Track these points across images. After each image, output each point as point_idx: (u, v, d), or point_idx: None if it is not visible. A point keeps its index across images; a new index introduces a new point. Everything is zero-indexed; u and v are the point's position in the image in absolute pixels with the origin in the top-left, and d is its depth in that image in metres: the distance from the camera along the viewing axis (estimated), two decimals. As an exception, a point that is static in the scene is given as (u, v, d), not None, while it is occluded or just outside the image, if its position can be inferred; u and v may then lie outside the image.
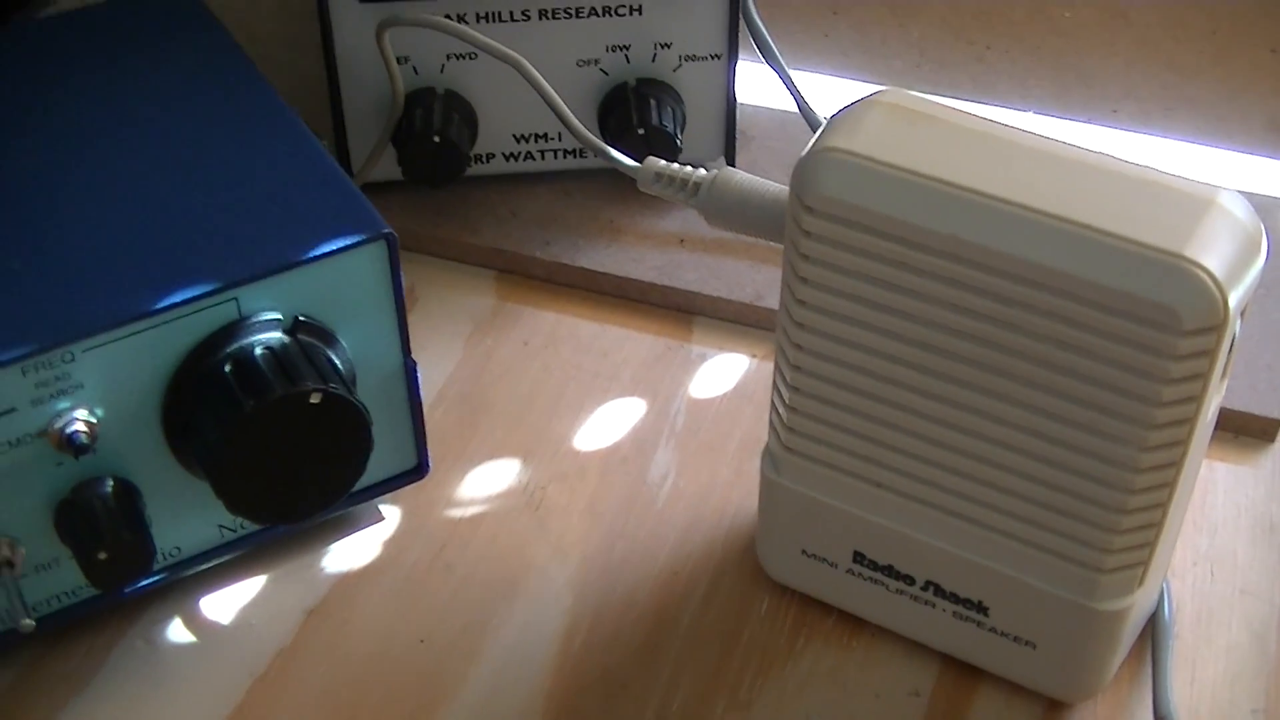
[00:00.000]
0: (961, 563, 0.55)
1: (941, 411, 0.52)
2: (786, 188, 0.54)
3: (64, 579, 0.59)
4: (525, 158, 0.78)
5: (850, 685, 0.58)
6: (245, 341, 0.56)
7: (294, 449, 0.56)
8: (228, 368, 0.55)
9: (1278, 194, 0.80)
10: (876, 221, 0.50)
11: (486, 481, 0.66)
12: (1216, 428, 0.64)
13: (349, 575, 0.63)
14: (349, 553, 0.64)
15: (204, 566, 0.62)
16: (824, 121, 0.74)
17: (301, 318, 0.57)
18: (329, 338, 0.58)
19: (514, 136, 0.77)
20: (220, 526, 0.61)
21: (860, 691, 0.58)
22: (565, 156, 0.78)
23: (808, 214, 0.51)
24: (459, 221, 0.77)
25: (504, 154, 0.78)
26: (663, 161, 0.60)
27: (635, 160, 0.63)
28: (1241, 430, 0.68)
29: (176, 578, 0.61)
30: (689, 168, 0.59)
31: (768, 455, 0.58)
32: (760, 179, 0.57)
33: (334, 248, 0.57)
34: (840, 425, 0.54)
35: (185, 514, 0.60)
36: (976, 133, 0.51)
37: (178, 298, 0.55)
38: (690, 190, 0.59)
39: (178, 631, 0.61)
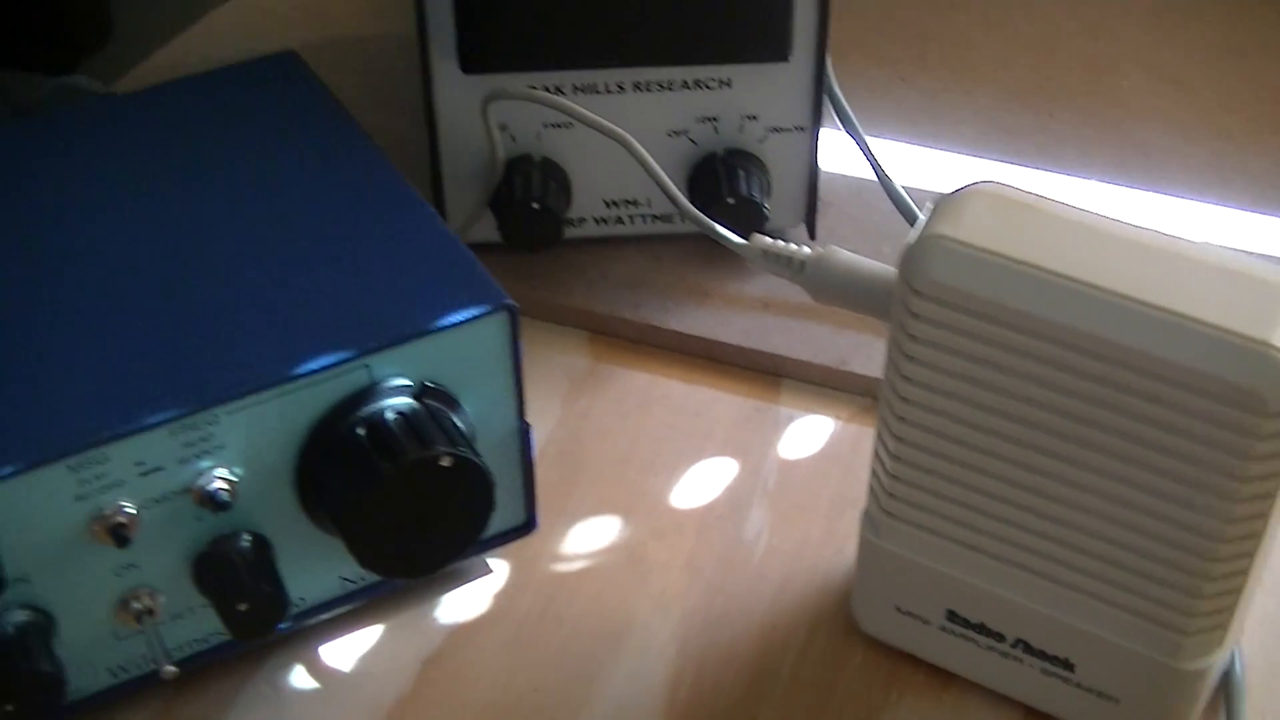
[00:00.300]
0: (1051, 622, 0.58)
1: (1037, 481, 0.55)
2: (887, 267, 0.58)
3: (195, 627, 0.62)
4: (614, 222, 0.82)
5: (941, 736, 0.62)
6: (376, 406, 0.59)
7: (422, 508, 0.59)
8: (361, 431, 0.59)
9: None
10: (980, 305, 0.53)
11: (589, 537, 0.69)
12: None
13: (462, 626, 0.66)
14: (461, 604, 0.67)
15: (325, 616, 0.65)
16: (902, 191, 0.78)
17: (428, 383, 0.60)
18: (453, 402, 0.61)
19: (604, 202, 0.81)
20: (342, 578, 0.65)
21: (951, 743, 0.62)
22: (653, 221, 0.82)
23: (916, 297, 0.54)
24: (551, 283, 0.80)
25: (594, 218, 0.81)
26: (768, 239, 0.63)
27: (741, 236, 0.66)
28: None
29: (299, 627, 0.65)
30: (793, 245, 0.63)
31: (867, 518, 0.61)
32: (863, 258, 0.61)
33: (461, 318, 0.60)
34: (939, 493, 0.58)
35: (310, 566, 0.63)
36: (1072, 222, 0.54)
37: (315, 364, 0.58)
38: (796, 267, 0.62)
39: (301, 678, 0.64)
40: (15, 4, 1.19)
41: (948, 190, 0.56)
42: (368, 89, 0.85)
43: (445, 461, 0.58)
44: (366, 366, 0.59)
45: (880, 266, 0.60)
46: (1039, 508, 0.56)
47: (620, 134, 0.73)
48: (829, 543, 0.69)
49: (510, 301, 0.61)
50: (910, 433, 0.57)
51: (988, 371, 0.54)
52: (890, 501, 0.59)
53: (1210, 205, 0.88)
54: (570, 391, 0.76)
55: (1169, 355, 0.51)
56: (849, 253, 0.61)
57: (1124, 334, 0.51)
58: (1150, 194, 0.88)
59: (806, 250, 0.62)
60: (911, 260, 0.54)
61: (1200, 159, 0.91)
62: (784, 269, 0.63)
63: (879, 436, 0.59)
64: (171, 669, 0.59)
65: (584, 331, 0.80)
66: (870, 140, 0.83)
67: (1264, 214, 0.87)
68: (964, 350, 0.54)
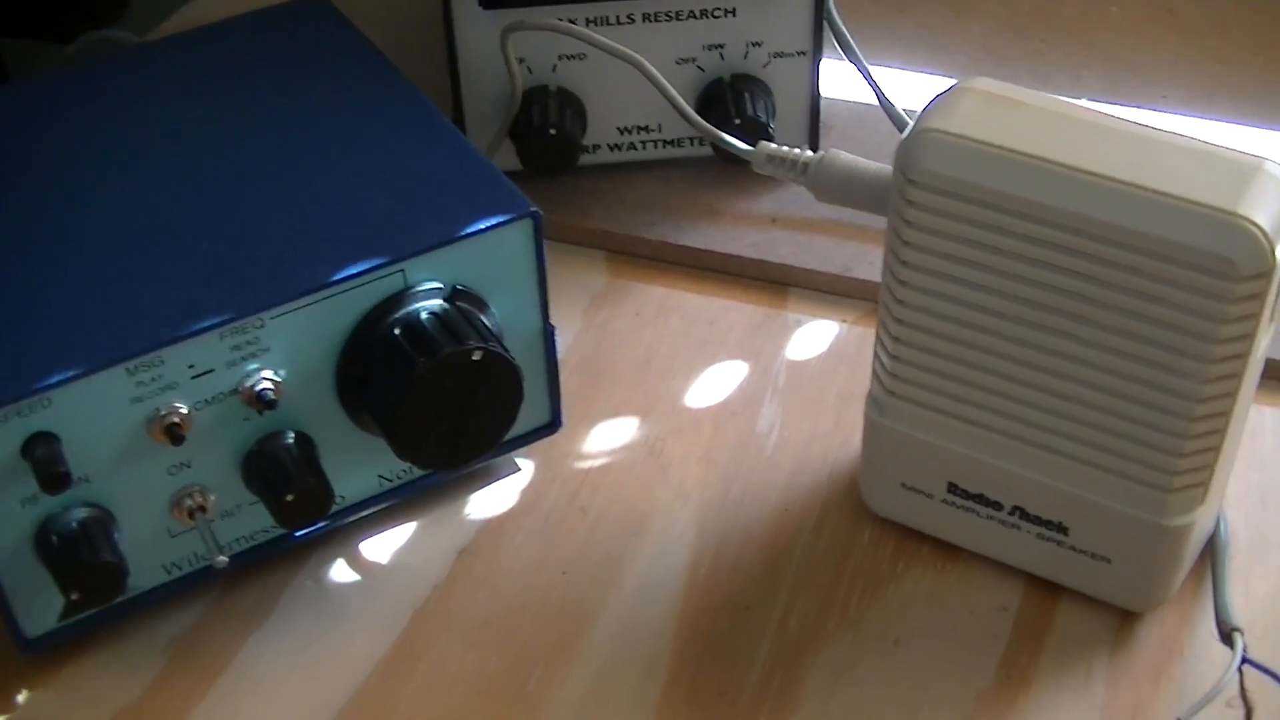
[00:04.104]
0: (1045, 488, 0.62)
1: (1028, 354, 0.59)
2: (885, 166, 0.62)
3: (243, 525, 0.66)
4: (628, 148, 0.86)
5: (946, 603, 0.66)
6: (411, 308, 0.63)
7: (456, 402, 0.63)
8: (398, 330, 0.63)
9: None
10: (971, 191, 0.57)
11: (611, 435, 0.73)
12: (1268, 377, 0.72)
13: (493, 519, 0.70)
14: (491, 500, 0.71)
15: (364, 513, 0.69)
16: (902, 112, 0.82)
17: (459, 286, 0.64)
18: (482, 304, 0.65)
19: (618, 129, 0.85)
20: (379, 476, 0.69)
21: (955, 608, 0.65)
22: (665, 146, 0.86)
23: (911, 186, 0.58)
24: (570, 207, 0.84)
25: (609, 145, 0.85)
26: (773, 145, 0.68)
27: (748, 144, 0.70)
28: (1291, 379, 0.75)
29: (340, 524, 0.68)
30: (797, 150, 0.67)
31: (871, 399, 0.65)
32: (861, 159, 0.65)
33: (488, 224, 0.64)
34: (937, 370, 0.62)
35: (349, 466, 0.67)
36: (1054, 113, 0.59)
37: (353, 270, 0.62)
38: (799, 169, 0.66)
39: (342, 572, 0.68)
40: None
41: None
42: (389, 37, 0.89)
43: (476, 355, 0.62)
44: (402, 271, 0.63)
45: (878, 165, 0.64)
46: (1031, 379, 0.60)
47: (631, 55, 0.77)
48: (837, 433, 0.73)
49: (535, 209, 0.65)
50: (909, 314, 0.61)
51: (979, 253, 0.58)
52: (892, 381, 0.63)
53: (1200, 120, 0.91)
54: (590, 306, 0.80)
55: (1147, 229, 0.55)
56: (848, 154, 0.65)
57: (1105, 211, 0.55)
58: (1142, 111, 0.91)
59: (809, 153, 0.66)
60: (906, 152, 0.59)
61: (1191, 79, 0.94)
62: (788, 172, 0.67)
63: (881, 321, 0.63)
64: (223, 559, 0.63)
65: (602, 251, 0.84)
66: (875, 68, 0.87)
67: (1251, 126, 0.90)
68: (956, 234, 0.58)
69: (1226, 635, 0.62)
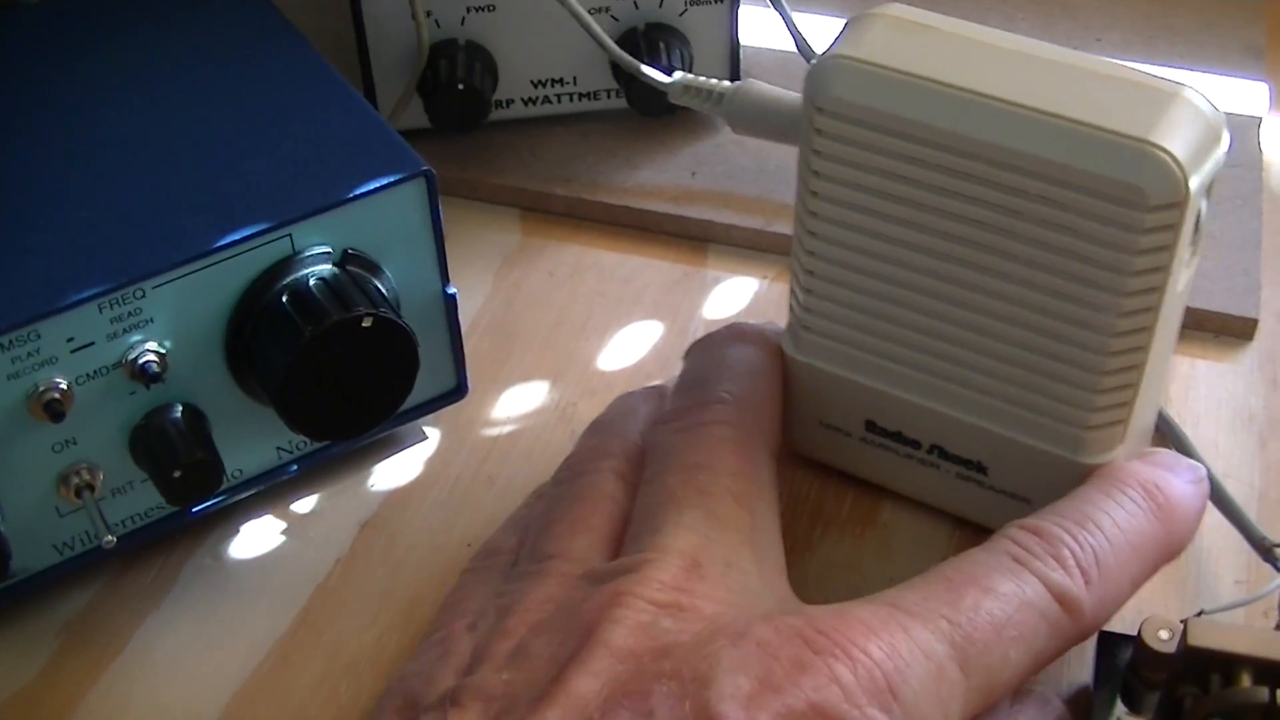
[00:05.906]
0: (962, 426, 0.60)
1: (941, 288, 0.57)
2: (800, 95, 0.60)
3: (137, 502, 0.63)
4: (542, 102, 0.83)
5: (864, 570, 0.64)
6: (300, 274, 0.61)
7: (349, 370, 0.61)
8: (285, 298, 0.60)
9: (1254, 112, 0.84)
10: (880, 119, 0.55)
11: (521, 401, 0.71)
12: (1198, 328, 0.70)
13: (397, 490, 0.67)
14: (396, 470, 0.68)
15: (263, 487, 0.66)
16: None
17: (350, 250, 0.62)
18: (375, 268, 0.63)
19: (531, 82, 0.82)
20: (278, 449, 0.66)
21: (873, 576, 0.63)
22: (580, 99, 0.83)
23: (819, 114, 0.56)
24: (483, 164, 0.82)
25: (522, 99, 0.83)
26: (690, 75, 0.66)
27: (665, 75, 0.69)
28: (1221, 330, 0.73)
29: (238, 498, 0.66)
30: (714, 80, 0.65)
31: (787, 335, 0.63)
32: (778, 88, 0.63)
33: (378, 185, 0.61)
34: (851, 304, 0.60)
35: (245, 438, 0.64)
36: (966, 38, 0.56)
37: (237, 236, 0.59)
38: (715, 99, 0.66)
39: (242, 548, 0.66)
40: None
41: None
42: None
43: (366, 322, 0.59)
44: (289, 236, 0.60)
45: (793, 94, 0.63)
46: (945, 314, 0.58)
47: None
48: (755, 391, 0.70)
49: (427, 168, 0.62)
50: (821, 247, 0.59)
51: (889, 183, 0.56)
52: (807, 316, 0.61)
53: (1138, 64, 0.88)
54: (502, 266, 0.78)
55: (1058, 157, 0.53)
56: (765, 84, 0.64)
57: (1016, 139, 0.53)
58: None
59: (726, 83, 0.65)
60: (814, 80, 0.57)
61: (1129, 22, 0.92)
62: (704, 102, 0.66)
63: (794, 253, 0.61)
64: (110, 538, 0.60)
65: (516, 209, 0.81)
66: (798, 14, 0.84)
67: (1191, 70, 0.88)
68: (866, 164, 0.56)
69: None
